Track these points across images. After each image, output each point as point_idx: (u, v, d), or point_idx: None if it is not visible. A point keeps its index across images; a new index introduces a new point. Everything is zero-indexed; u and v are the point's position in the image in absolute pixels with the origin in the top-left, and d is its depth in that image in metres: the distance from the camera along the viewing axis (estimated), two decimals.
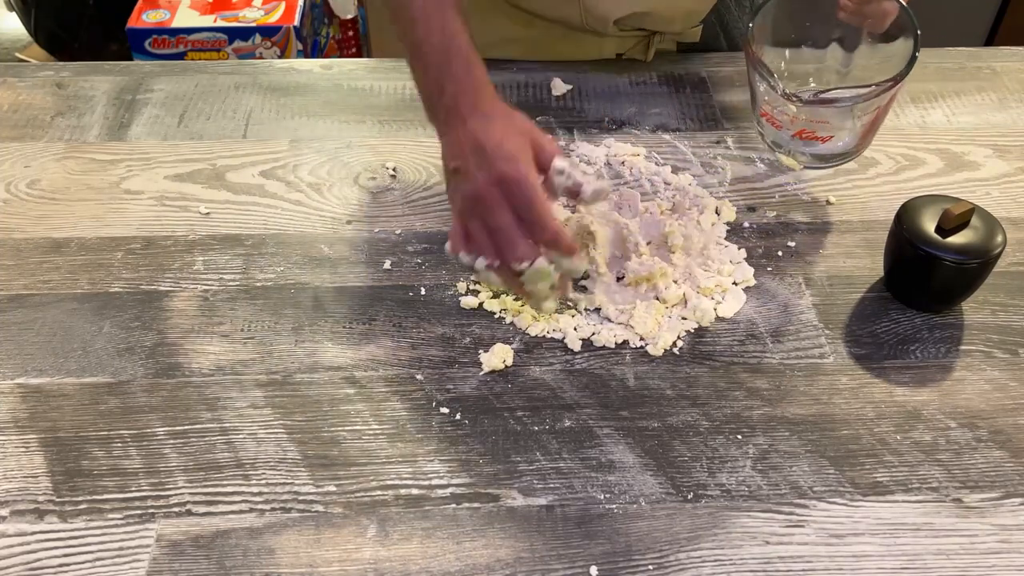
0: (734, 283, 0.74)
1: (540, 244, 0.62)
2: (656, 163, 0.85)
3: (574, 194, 0.65)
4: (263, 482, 0.61)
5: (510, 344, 0.69)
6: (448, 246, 0.65)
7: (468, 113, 0.65)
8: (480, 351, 0.69)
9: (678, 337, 0.70)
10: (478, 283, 0.73)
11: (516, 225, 0.62)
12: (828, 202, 0.82)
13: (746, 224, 0.80)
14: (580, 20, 0.91)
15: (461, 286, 0.74)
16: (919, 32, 0.74)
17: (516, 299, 0.72)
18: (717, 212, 0.80)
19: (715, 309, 0.72)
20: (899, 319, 0.72)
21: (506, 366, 0.67)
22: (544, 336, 0.70)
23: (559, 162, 0.65)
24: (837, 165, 0.85)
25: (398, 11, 0.69)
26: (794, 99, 0.77)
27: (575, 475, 0.61)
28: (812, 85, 0.83)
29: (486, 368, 0.67)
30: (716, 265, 0.75)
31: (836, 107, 0.79)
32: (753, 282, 0.74)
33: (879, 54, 0.79)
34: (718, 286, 0.73)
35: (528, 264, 0.61)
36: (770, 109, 0.80)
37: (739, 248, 0.77)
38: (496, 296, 0.73)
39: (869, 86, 0.77)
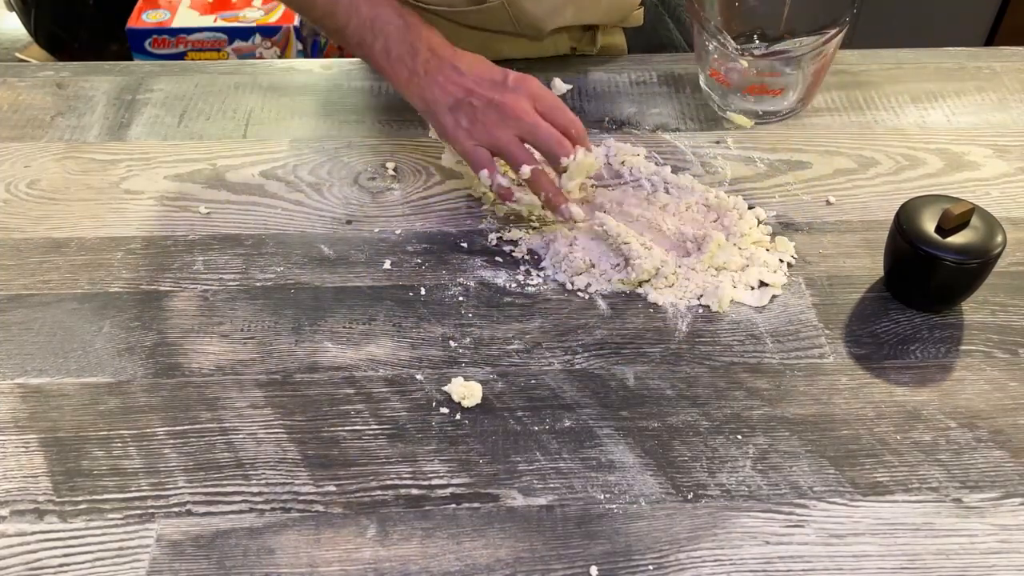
0: (762, 283, 0.74)
1: (570, 140, 0.72)
2: (656, 163, 0.85)
3: (555, 160, 0.75)
4: (263, 482, 0.61)
5: (484, 376, 0.69)
6: (484, 176, 0.74)
7: (452, 57, 0.74)
8: (479, 350, 0.69)
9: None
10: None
11: (542, 123, 0.72)
12: (828, 202, 0.82)
13: None
14: (515, 29, 0.92)
15: (492, 236, 0.78)
16: None
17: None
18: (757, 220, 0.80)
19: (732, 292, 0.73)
20: (899, 319, 0.72)
21: (463, 404, 0.66)
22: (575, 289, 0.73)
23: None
24: (785, 119, 0.86)
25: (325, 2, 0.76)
26: (746, 55, 0.77)
27: (575, 475, 0.61)
28: (756, 42, 0.84)
29: (455, 397, 0.66)
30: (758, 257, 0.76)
31: (789, 59, 0.80)
32: (779, 292, 0.74)
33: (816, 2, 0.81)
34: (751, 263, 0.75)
35: (573, 158, 0.72)
36: (720, 68, 0.81)
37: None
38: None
39: (813, 35, 0.78)
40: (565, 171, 0.74)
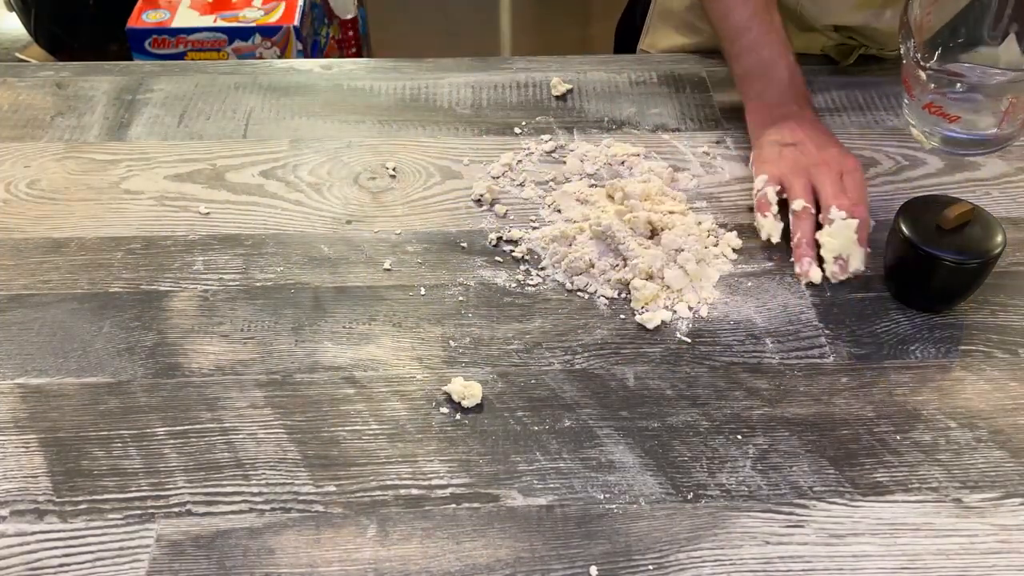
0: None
1: (850, 206, 0.74)
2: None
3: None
4: (263, 482, 0.61)
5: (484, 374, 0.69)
6: (762, 180, 0.79)
7: (811, 108, 0.84)
8: (479, 350, 0.69)
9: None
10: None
11: (841, 186, 0.75)
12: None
13: (746, 224, 0.80)
14: (796, 11, 0.94)
15: (492, 236, 0.78)
16: None
17: None
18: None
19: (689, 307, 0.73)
20: (899, 319, 0.72)
21: (463, 404, 0.65)
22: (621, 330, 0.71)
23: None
24: (971, 154, 0.79)
25: (767, 22, 0.84)
26: (922, 64, 0.73)
27: (575, 475, 0.61)
28: (960, 53, 0.76)
29: (455, 397, 0.66)
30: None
31: (963, 80, 0.73)
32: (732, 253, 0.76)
33: None
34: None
35: (843, 216, 0.73)
36: (908, 75, 0.77)
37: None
38: None
39: (1020, 70, 0.70)
40: (831, 224, 0.74)
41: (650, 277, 0.73)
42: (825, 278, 0.73)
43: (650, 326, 0.70)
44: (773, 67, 0.83)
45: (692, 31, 1.00)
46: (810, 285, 0.74)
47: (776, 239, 0.76)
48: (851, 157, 0.79)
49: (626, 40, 1.15)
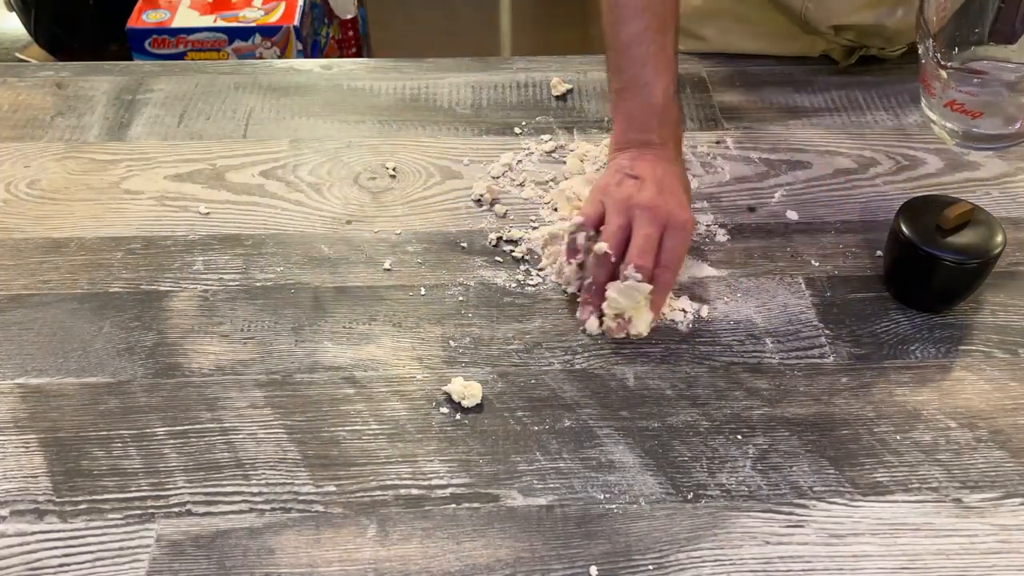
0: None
1: (651, 269, 0.68)
2: None
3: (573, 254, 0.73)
4: (263, 482, 0.61)
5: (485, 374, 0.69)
6: (578, 222, 0.72)
7: (674, 144, 0.76)
8: (479, 350, 0.69)
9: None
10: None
11: (657, 242, 0.69)
12: (827, 202, 0.82)
13: (746, 224, 0.80)
14: (800, 14, 0.93)
15: (492, 236, 0.78)
16: None
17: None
18: None
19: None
20: (899, 319, 0.72)
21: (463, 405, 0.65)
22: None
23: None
24: (995, 148, 0.80)
25: (658, 43, 0.77)
26: (942, 64, 0.72)
27: (575, 475, 0.61)
28: (976, 49, 0.76)
29: (455, 397, 0.66)
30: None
31: (983, 78, 0.73)
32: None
33: None
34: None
35: (638, 279, 0.67)
36: (927, 75, 0.76)
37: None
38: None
39: None
40: (624, 280, 0.68)
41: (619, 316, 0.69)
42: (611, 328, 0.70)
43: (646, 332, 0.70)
44: (650, 88, 0.76)
45: (692, 38, 1.00)
46: (810, 285, 0.74)
47: (590, 329, 0.70)
48: (685, 211, 0.71)
49: None
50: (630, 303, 0.68)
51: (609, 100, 0.80)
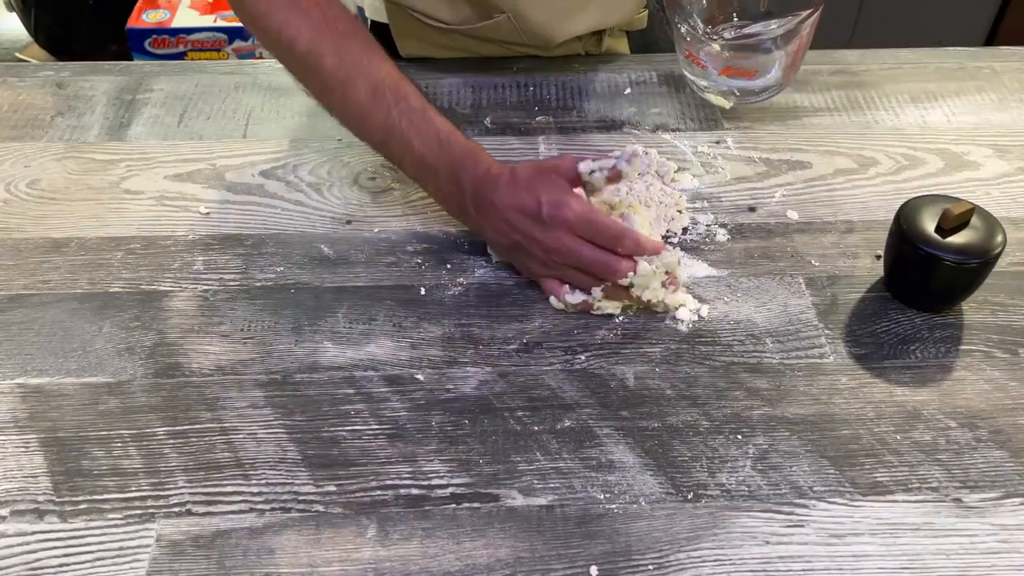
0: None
1: (630, 256, 0.68)
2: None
3: (617, 177, 0.70)
4: (263, 482, 0.61)
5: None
6: (554, 300, 0.72)
7: (493, 194, 0.70)
8: (479, 350, 0.69)
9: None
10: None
11: (602, 251, 0.68)
12: (827, 202, 0.82)
13: (746, 224, 0.80)
14: (524, 40, 0.92)
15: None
16: None
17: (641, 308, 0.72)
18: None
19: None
20: (899, 319, 0.72)
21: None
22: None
23: (583, 165, 0.70)
24: (766, 99, 0.85)
25: (363, 127, 0.75)
26: (716, 39, 0.77)
27: (575, 475, 0.61)
28: (735, 20, 0.84)
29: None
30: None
31: (759, 41, 0.80)
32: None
33: None
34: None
35: (633, 274, 0.68)
36: (694, 50, 0.80)
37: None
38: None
39: (787, 16, 0.78)
40: (632, 286, 0.69)
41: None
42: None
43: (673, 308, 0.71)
44: (428, 157, 0.72)
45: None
46: (810, 285, 0.74)
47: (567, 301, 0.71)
48: (548, 202, 0.68)
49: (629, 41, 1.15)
50: (653, 273, 0.69)
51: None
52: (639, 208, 0.74)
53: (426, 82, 0.96)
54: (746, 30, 0.82)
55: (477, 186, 0.71)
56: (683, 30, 0.79)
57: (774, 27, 0.78)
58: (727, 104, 0.84)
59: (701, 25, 0.77)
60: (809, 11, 0.77)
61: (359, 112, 0.75)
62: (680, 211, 0.80)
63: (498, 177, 0.70)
